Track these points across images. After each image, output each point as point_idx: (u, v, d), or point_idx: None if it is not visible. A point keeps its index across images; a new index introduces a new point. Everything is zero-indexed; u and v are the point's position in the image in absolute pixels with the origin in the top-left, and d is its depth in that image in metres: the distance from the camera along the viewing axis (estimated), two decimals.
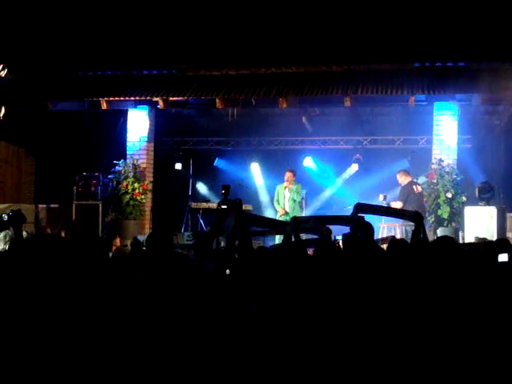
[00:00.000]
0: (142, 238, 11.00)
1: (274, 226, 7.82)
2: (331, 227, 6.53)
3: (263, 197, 15.81)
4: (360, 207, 6.17)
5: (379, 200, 11.82)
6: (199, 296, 3.29)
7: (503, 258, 4.75)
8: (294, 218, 6.93)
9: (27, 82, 13.42)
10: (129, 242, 10.51)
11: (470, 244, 8.30)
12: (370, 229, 5.36)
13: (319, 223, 6.89)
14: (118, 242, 10.33)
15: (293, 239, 6.14)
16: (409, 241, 6.19)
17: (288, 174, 12.68)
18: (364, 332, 3.52)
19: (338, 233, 7.34)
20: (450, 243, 4.28)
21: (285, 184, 12.57)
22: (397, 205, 11.47)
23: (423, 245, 5.06)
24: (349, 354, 3.40)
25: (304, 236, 8.41)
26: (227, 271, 4.64)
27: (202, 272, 3.38)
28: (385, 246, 6.81)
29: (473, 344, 3.33)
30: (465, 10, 12.19)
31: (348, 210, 9.78)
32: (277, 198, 12.91)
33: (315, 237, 6.76)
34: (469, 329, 3.35)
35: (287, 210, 12.59)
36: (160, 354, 3.02)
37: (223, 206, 6.35)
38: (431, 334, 3.45)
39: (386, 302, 3.71)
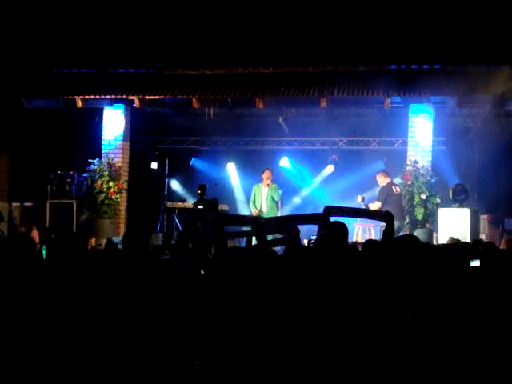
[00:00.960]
0: (116, 239, 10.94)
1: (248, 223, 7.81)
2: (300, 227, 6.54)
3: (239, 196, 15.82)
4: (329, 210, 6.17)
5: (357, 201, 11.88)
6: (173, 295, 3.28)
7: (475, 263, 4.78)
8: (256, 220, 6.96)
9: (2, 79, 13.27)
10: (104, 242, 10.44)
11: (443, 245, 8.35)
12: (345, 231, 5.37)
13: (286, 223, 6.88)
14: (93, 241, 10.25)
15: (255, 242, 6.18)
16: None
17: (267, 172, 12.74)
18: (336, 330, 3.53)
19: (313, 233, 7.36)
20: (410, 242, 4.30)
21: (265, 183, 12.63)
22: (375, 206, 11.55)
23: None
24: (321, 352, 3.41)
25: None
26: (201, 271, 4.63)
27: (176, 271, 3.37)
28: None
29: (443, 340, 3.35)
30: (441, 13, 12.28)
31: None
32: (253, 198, 12.93)
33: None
34: (437, 327, 3.38)
35: (264, 209, 12.64)
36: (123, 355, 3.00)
37: (199, 206, 6.33)
38: (405, 332, 3.47)
39: (358, 300, 3.72)
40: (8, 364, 3.04)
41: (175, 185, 15.93)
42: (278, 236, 7.21)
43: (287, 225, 6.62)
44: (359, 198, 11.90)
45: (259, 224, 6.60)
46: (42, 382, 3.01)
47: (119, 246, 8.66)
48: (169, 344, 3.05)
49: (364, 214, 9.04)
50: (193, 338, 3.10)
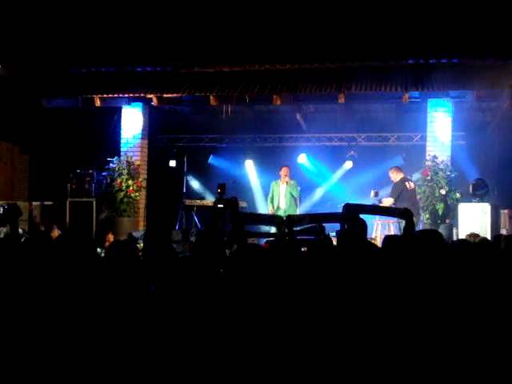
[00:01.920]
0: (137, 234, 11.02)
1: (270, 221, 7.83)
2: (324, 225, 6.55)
3: (258, 193, 15.82)
4: (348, 207, 6.18)
5: (371, 196, 11.84)
6: (195, 291, 3.29)
7: None
8: (289, 217, 6.95)
9: (21, 79, 13.38)
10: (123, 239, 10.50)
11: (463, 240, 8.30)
12: (363, 225, 5.36)
13: (313, 221, 6.89)
14: (110, 237, 10.30)
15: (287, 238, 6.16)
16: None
17: (285, 169, 12.76)
18: (360, 328, 3.52)
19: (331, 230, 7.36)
20: (433, 237, 4.28)
21: (283, 179, 12.65)
22: (388, 201, 11.50)
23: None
24: (345, 351, 3.40)
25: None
26: (220, 268, 4.64)
27: (197, 268, 3.37)
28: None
29: (467, 341, 3.33)
30: (459, 6, 12.20)
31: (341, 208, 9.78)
32: (271, 195, 12.95)
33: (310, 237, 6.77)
34: (461, 325, 3.36)
35: (283, 205, 12.66)
36: (151, 352, 3.01)
37: (219, 205, 6.37)
38: (426, 330, 3.45)
39: (381, 297, 3.71)
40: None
41: (193, 182, 15.96)
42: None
43: (315, 222, 6.64)
44: (372, 193, 11.86)
45: (292, 220, 6.60)
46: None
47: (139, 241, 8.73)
48: (189, 341, 3.05)
49: (383, 211, 9.03)
50: (215, 334, 3.10)
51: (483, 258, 4.64)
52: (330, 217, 7.68)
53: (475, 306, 3.37)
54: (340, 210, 7.87)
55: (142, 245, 6.68)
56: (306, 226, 7.03)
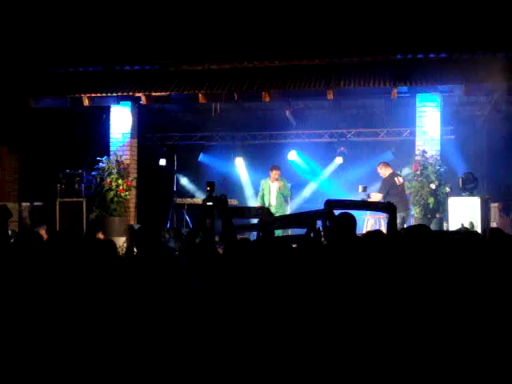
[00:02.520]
0: (137, 226, 10.98)
1: (253, 214, 7.84)
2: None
3: (248, 191, 15.83)
4: (330, 203, 6.12)
5: (359, 191, 11.86)
6: (172, 289, 3.29)
7: None
8: (261, 221, 6.97)
9: (8, 79, 13.31)
10: (113, 239, 10.44)
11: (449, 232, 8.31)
12: (350, 221, 5.35)
13: (284, 225, 6.83)
14: (101, 237, 10.25)
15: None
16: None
17: (276, 172, 12.75)
18: (352, 322, 3.52)
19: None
20: (422, 231, 4.29)
21: (273, 180, 12.66)
22: (377, 197, 11.53)
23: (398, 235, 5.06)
24: (336, 346, 3.40)
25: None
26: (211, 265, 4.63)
27: (174, 266, 3.37)
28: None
29: (458, 335, 3.33)
30: (446, 0, 12.22)
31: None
32: (262, 192, 12.95)
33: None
34: (450, 317, 3.36)
35: (273, 203, 12.67)
36: (144, 348, 3.00)
37: (208, 203, 6.35)
38: (414, 324, 3.45)
39: (365, 292, 3.71)
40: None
41: (184, 181, 15.96)
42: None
43: (295, 222, 6.61)
44: (360, 188, 11.87)
45: (264, 223, 6.61)
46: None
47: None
48: (174, 340, 3.05)
49: (366, 206, 8.98)
50: (200, 334, 3.09)
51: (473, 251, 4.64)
52: (304, 218, 7.47)
53: (462, 300, 3.37)
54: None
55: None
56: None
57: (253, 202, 15.07)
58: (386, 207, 5.76)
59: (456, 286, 3.62)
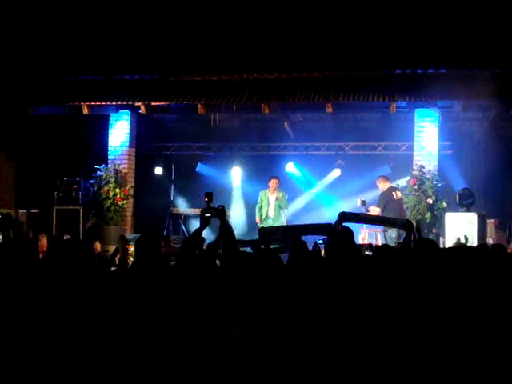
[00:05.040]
0: (129, 236, 10.95)
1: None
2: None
3: (246, 202, 15.81)
4: (344, 216, 6.05)
5: (358, 205, 11.86)
6: (165, 299, 3.29)
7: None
8: (262, 229, 6.88)
9: (8, 86, 13.31)
10: (110, 249, 10.43)
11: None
12: (349, 233, 5.35)
13: (290, 233, 6.81)
14: (98, 246, 10.22)
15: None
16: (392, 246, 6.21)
17: (274, 181, 12.76)
18: (352, 334, 3.52)
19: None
20: (430, 245, 4.31)
21: (272, 191, 12.66)
22: (375, 211, 11.52)
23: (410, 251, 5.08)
24: (334, 357, 3.40)
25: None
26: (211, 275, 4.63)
27: (168, 277, 3.36)
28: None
29: (467, 344, 3.33)
30: (446, 17, 12.27)
31: (329, 218, 9.69)
32: (260, 204, 12.95)
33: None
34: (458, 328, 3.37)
35: (271, 215, 12.68)
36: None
37: (207, 214, 6.33)
38: (423, 335, 3.45)
39: (371, 306, 3.71)
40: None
41: (181, 191, 15.94)
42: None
43: (293, 234, 6.58)
44: (359, 202, 11.84)
45: (265, 233, 6.58)
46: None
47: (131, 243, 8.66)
48: (169, 347, 3.05)
49: (383, 221, 8.83)
50: (196, 342, 3.10)
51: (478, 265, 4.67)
52: (310, 228, 7.41)
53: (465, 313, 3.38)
54: (329, 220, 7.83)
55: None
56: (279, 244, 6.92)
57: (251, 214, 15.03)
58: (405, 225, 5.72)
59: (469, 297, 3.64)
